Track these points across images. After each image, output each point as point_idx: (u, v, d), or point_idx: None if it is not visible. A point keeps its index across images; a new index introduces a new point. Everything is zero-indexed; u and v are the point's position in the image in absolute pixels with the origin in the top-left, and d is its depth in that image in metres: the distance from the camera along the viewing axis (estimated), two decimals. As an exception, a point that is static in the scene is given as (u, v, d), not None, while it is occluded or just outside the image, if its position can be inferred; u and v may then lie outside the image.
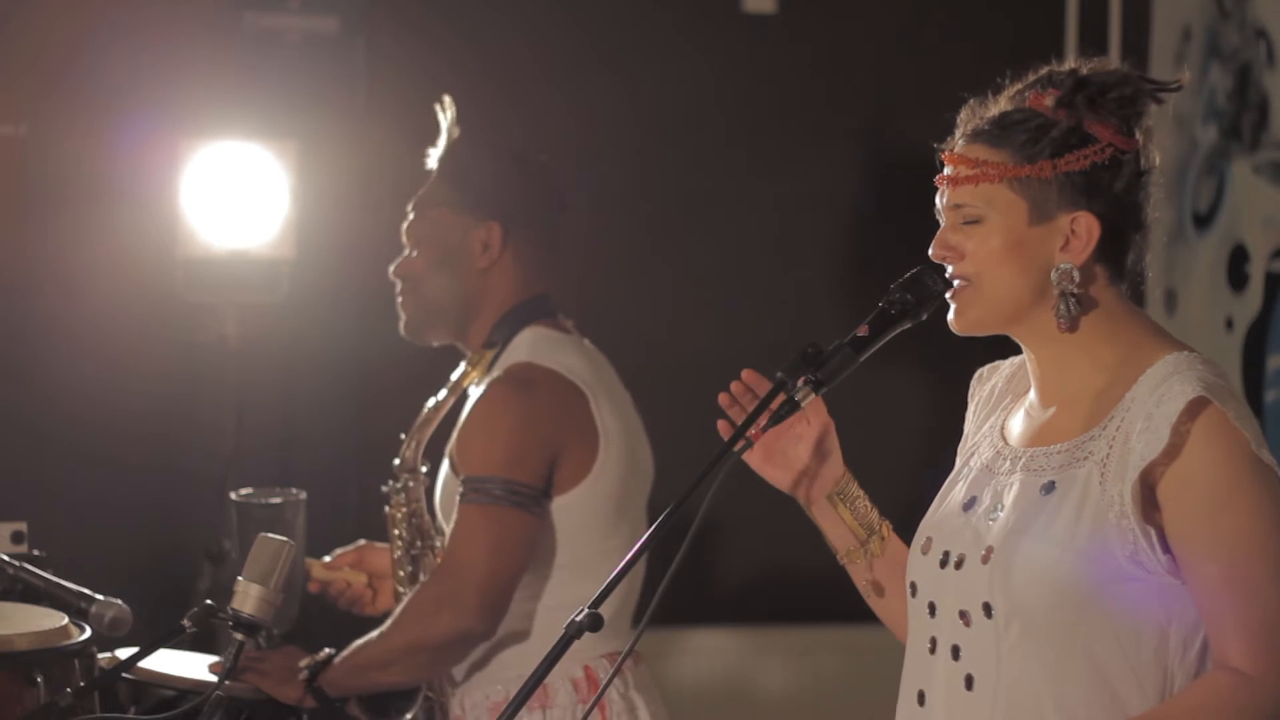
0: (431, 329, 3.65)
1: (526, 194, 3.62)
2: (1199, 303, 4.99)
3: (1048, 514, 2.45)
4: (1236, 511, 2.38)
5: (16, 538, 3.50)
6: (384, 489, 3.60)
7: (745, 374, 2.65)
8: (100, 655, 3.25)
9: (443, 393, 3.59)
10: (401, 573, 3.59)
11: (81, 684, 3.02)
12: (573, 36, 5.54)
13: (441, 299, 3.61)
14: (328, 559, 3.76)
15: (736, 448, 2.56)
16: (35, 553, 3.48)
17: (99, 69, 5.22)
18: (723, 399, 2.65)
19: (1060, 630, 2.42)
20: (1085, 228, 2.48)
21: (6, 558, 3.36)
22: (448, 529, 3.51)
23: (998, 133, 2.51)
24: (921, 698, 2.54)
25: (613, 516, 3.55)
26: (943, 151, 2.56)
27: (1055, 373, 2.54)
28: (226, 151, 5.09)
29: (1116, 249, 2.51)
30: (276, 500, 3.59)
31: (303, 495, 3.59)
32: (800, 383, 2.56)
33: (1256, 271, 4.80)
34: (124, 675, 3.24)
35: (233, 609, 2.95)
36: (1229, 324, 4.87)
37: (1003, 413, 2.64)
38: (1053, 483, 2.47)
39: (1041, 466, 2.50)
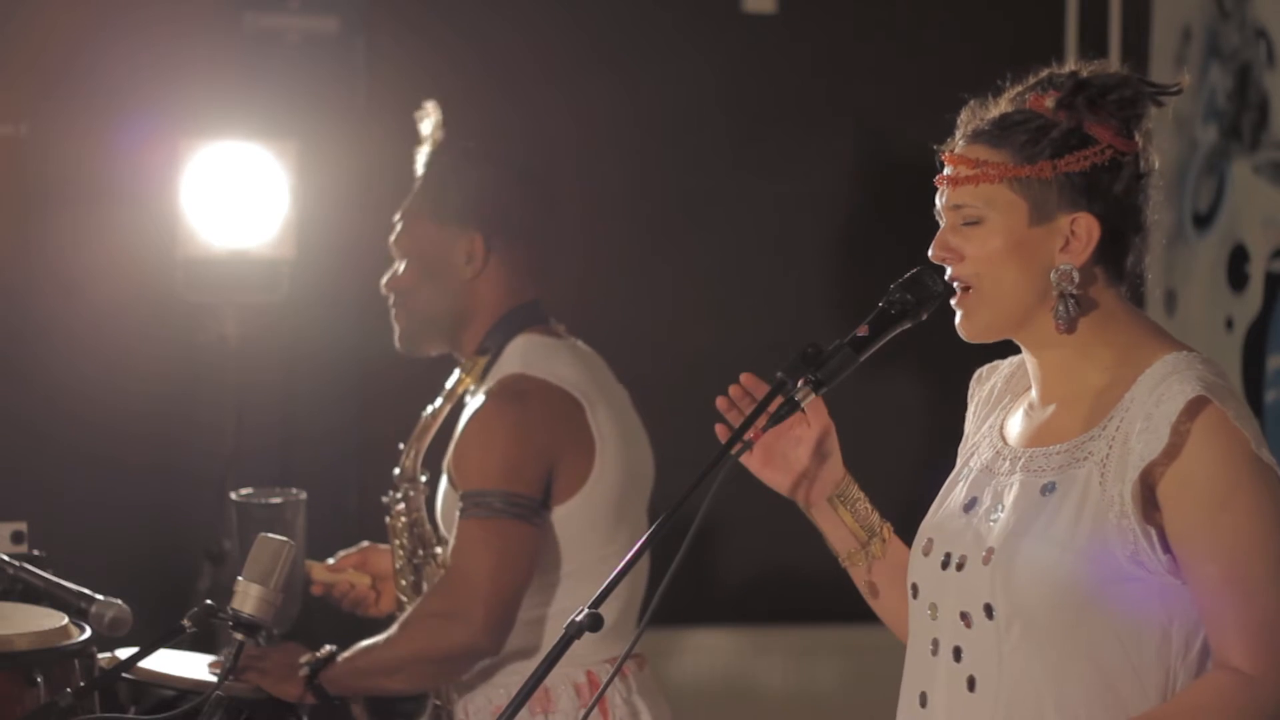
0: (426, 340, 3.64)
1: (510, 200, 3.60)
2: (1199, 303, 4.98)
3: (1048, 514, 2.45)
4: (1236, 511, 2.38)
5: (16, 538, 3.50)
6: (384, 499, 3.60)
7: (743, 377, 2.65)
8: (100, 655, 3.25)
9: (439, 401, 3.59)
10: (404, 582, 3.58)
11: (81, 684, 3.02)
12: (573, 36, 5.54)
13: (432, 311, 3.60)
14: (331, 561, 3.76)
15: (735, 451, 2.56)
16: (35, 553, 3.48)
17: (99, 69, 5.22)
18: (721, 403, 2.64)
19: (1061, 631, 2.42)
20: (1085, 229, 2.48)
21: (6, 558, 3.36)
22: (449, 538, 3.51)
23: (998, 133, 2.51)
24: (924, 699, 2.54)
25: (612, 522, 3.54)
26: (943, 152, 2.56)
27: (1055, 373, 2.54)
28: (226, 151, 5.09)
29: (1116, 250, 2.51)
30: (276, 500, 3.59)
31: (303, 495, 3.59)
32: (800, 383, 2.56)
33: (1256, 271, 4.80)
34: (124, 675, 3.24)
35: (233, 609, 2.95)
36: (1229, 324, 4.87)
37: (1002, 412, 2.64)
38: (1053, 483, 2.47)
39: (1041, 467, 2.50)
